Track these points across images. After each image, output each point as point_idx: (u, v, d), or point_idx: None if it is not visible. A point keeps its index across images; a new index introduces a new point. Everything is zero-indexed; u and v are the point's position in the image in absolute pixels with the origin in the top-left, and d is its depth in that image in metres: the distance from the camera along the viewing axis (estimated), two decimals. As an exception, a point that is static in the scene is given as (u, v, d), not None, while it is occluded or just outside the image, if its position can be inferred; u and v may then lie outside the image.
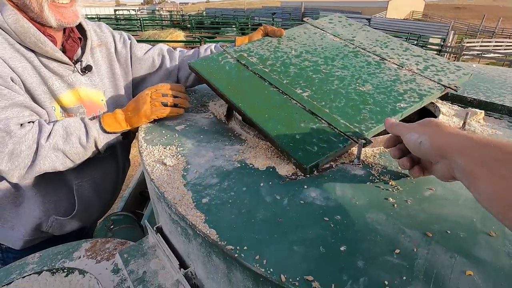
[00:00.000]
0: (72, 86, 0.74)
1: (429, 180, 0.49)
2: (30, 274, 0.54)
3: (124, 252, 0.58)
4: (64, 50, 0.74)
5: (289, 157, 0.53)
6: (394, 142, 0.49)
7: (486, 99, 0.82)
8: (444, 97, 0.88)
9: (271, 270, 0.34)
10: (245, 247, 0.37)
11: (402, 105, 0.63)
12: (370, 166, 0.54)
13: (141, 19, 14.37)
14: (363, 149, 0.58)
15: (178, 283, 0.50)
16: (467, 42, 11.19)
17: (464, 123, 0.67)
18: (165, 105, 0.74)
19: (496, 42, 12.46)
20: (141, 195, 1.29)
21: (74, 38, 0.77)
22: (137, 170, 2.05)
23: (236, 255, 0.36)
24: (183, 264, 0.52)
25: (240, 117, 0.72)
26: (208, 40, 6.81)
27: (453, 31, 11.43)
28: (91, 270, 0.56)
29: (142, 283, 0.52)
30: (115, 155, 0.89)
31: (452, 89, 0.68)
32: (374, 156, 0.57)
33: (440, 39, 10.00)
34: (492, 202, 0.31)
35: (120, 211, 0.79)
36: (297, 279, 0.32)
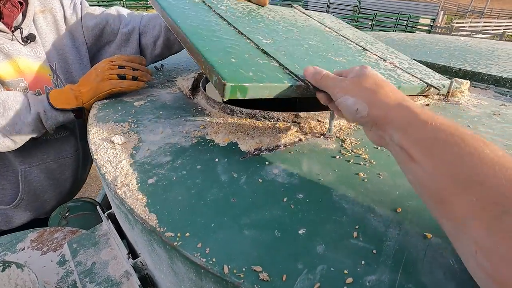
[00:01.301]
0: (9, 56, 0.65)
1: (407, 153, 0.44)
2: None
3: (74, 242, 0.52)
4: (1, 16, 0.65)
5: (211, 75, 0.39)
6: (330, 100, 0.40)
7: (473, 69, 0.77)
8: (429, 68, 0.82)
9: (214, 260, 0.28)
10: (187, 234, 0.31)
11: None
12: (343, 139, 0.48)
13: None
14: (336, 122, 0.52)
15: (127, 274, 0.45)
16: (456, 23, 11.13)
17: (448, 93, 0.62)
18: (123, 78, 0.66)
19: (484, 22, 12.45)
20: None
21: (14, 2, 0.67)
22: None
23: (175, 243, 0.30)
24: (134, 253, 0.47)
25: (205, 92, 0.65)
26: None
27: (442, 11, 11.33)
28: (35, 262, 0.50)
29: (89, 276, 0.46)
30: (73, 136, 0.81)
31: (435, 87, 0.58)
32: (349, 128, 0.51)
33: (430, 20, 9.89)
34: (425, 185, 0.27)
35: (80, 198, 0.72)
36: (243, 269, 0.27)
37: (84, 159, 0.88)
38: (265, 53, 0.50)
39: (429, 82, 0.59)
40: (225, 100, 0.38)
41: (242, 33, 0.55)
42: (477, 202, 0.22)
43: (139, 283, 0.42)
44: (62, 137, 0.77)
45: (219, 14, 0.63)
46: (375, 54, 0.69)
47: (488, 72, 0.73)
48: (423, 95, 0.61)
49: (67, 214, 0.67)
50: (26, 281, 0.46)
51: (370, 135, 0.35)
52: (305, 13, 0.87)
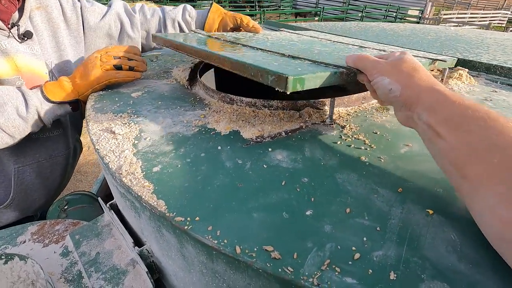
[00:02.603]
0: (7, 53, 0.63)
1: (406, 136, 0.46)
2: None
3: (76, 233, 0.52)
4: None
5: (266, 76, 0.41)
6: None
7: (464, 57, 0.79)
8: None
9: (225, 241, 0.29)
10: (197, 218, 0.31)
11: None
12: (343, 125, 0.49)
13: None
14: (336, 109, 0.53)
15: (133, 262, 0.45)
16: (444, 14, 11.25)
17: (442, 80, 0.64)
18: (119, 68, 0.65)
19: (471, 14, 12.62)
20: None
21: None
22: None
23: (186, 227, 0.30)
24: (139, 242, 0.47)
25: (203, 82, 0.65)
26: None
27: (430, 3, 11.42)
28: (37, 254, 0.50)
29: (94, 265, 0.46)
30: (65, 134, 0.79)
31: (440, 60, 0.62)
32: (348, 115, 0.52)
33: (418, 11, 9.97)
34: (449, 155, 0.29)
35: (78, 191, 0.72)
36: (255, 249, 0.28)
37: (73, 157, 0.87)
38: (294, 57, 0.52)
39: (433, 57, 0.61)
40: (288, 92, 0.40)
41: (260, 49, 0.58)
42: (498, 163, 0.25)
43: (146, 270, 0.42)
44: (54, 135, 0.76)
45: (231, 41, 0.67)
46: (374, 48, 0.70)
47: (479, 60, 0.75)
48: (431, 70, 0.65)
49: (66, 207, 0.66)
50: (29, 272, 0.46)
51: (399, 115, 0.38)
52: (294, 32, 0.93)
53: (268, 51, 0.57)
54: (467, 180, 0.28)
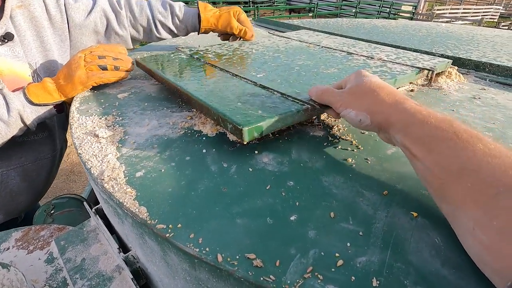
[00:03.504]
0: None
1: (393, 137, 0.45)
2: None
3: (61, 239, 0.51)
4: None
5: (225, 123, 0.41)
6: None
7: (454, 55, 0.79)
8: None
9: (207, 249, 0.28)
10: (179, 225, 0.31)
11: None
12: (331, 126, 0.48)
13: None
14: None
15: (119, 268, 0.44)
16: (437, 10, 11.30)
17: (431, 79, 0.64)
18: (104, 68, 0.64)
19: (464, 9, 12.69)
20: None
21: None
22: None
23: (167, 235, 0.30)
24: (125, 248, 0.46)
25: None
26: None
27: (424, -2, 11.44)
28: (21, 261, 0.49)
29: (79, 272, 0.45)
30: (52, 136, 0.78)
31: (428, 69, 0.60)
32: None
33: (412, 7, 9.99)
34: (426, 177, 0.29)
35: (65, 194, 0.70)
36: (237, 257, 0.27)
37: (59, 159, 0.85)
38: (264, 87, 0.51)
39: (421, 66, 0.61)
40: (245, 143, 0.41)
41: (236, 75, 0.58)
42: (473, 186, 0.25)
43: (132, 276, 0.41)
44: (40, 138, 0.74)
45: (209, 63, 0.65)
46: (361, 55, 0.69)
47: (468, 57, 0.75)
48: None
49: (52, 212, 0.65)
50: (13, 280, 0.45)
51: (381, 138, 0.37)
52: (284, 36, 0.91)
53: (242, 78, 0.56)
54: (446, 203, 0.28)
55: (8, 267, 0.44)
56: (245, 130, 0.38)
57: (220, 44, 0.80)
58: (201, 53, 0.73)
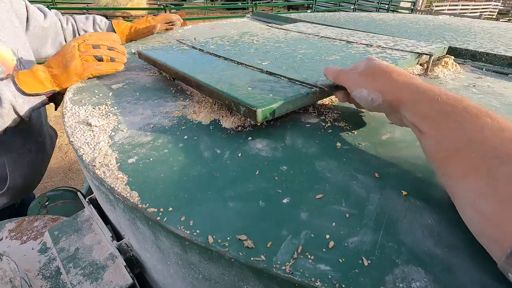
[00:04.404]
0: None
1: (387, 124, 0.45)
2: None
3: (55, 229, 0.50)
4: None
5: (238, 107, 0.42)
6: (347, 95, 0.44)
7: (451, 45, 0.79)
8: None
9: (198, 231, 0.28)
10: (170, 208, 0.30)
11: None
12: (325, 112, 0.48)
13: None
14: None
15: (112, 257, 0.44)
16: (436, 6, 11.28)
17: (427, 68, 0.63)
18: (100, 59, 0.63)
19: (462, 5, 12.66)
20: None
21: None
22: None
23: (158, 218, 0.29)
24: (119, 236, 0.46)
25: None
26: (174, 7, 6.29)
27: (423, -6, 11.40)
28: (15, 252, 0.49)
29: (73, 261, 0.45)
30: (40, 120, 0.79)
31: (427, 54, 0.61)
32: (330, 102, 0.51)
33: (410, 3, 9.96)
34: (432, 151, 0.30)
35: (60, 186, 0.70)
36: (228, 239, 0.27)
37: (50, 143, 0.87)
38: (271, 73, 0.52)
39: (419, 51, 0.61)
40: (258, 124, 0.43)
41: (241, 63, 0.58)
42: (476, 157, 0.25)
43: (125, 264, 0.41)
44: (38, 120, 0.75)
45: (213, 53, 0.65)
46: (360, 43, 0.69)
47: (465, 47, 0.75)
48: (419, 64, 0.65)
49: (46, 203, 0.64)
50: (6, 270, 0.45)
51: (391, 119, 0.38)
52: (282, 28, 0.91)
53: (248, 65, 0.56)
54: (448, 176, 0.28)
55: (1, 257, 0.44)
56: (259, 111, 0.39)
57: (220, 37, 0.80)
58: (203, 44, 0.73)
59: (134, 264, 0.44)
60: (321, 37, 0.77)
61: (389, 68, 0.37)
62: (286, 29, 0.88)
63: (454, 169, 0.27)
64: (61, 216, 0.54)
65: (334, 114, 0.47)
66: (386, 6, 9.23)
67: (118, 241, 0.45)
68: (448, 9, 11.41)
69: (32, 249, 0.49)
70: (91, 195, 0.52)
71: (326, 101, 0.52)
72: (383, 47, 0.66)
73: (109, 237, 0.44)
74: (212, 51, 0.66)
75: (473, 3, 13.49)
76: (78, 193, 0.54)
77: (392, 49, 0.64)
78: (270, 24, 1.02)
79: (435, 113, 0.30)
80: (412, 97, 0.33)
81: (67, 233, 0.50)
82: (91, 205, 0.50)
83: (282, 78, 0.50)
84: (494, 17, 12.69)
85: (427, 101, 0.31)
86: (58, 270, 0.45)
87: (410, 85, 0.34)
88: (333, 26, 0.98)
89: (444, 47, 0.64)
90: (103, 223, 0.46)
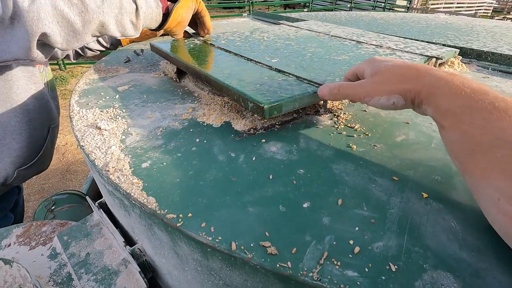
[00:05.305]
0: None
1: (401, 124, 0.45)
2: None
3: (64, 234, 0.50)
4: None
5: (246, 103, 0.43)
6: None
7: (455, 45, 0.79)
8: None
9: (220, 238, 0.27)
10: (190, 214, 0.30)
11: None
12: (338, 114, 0.48)
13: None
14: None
15: (125, 262, 0.44)
16: (432, 4, 11.33)
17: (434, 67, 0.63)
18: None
19: (458, 3, 12.73)
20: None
21: None
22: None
23: (178, 224, 0.29)
24: (130, 241, 0.45)
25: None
26: None
27: (418, -8, 11.44)
28: (24, 258, 0.48)
29: (84, 267, 0.44)
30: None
31: (436, 57, 0.60)
32: (342, 103, 0.51)
33: (406, 1, 9.99)
34: (455, 148, 0.29)
35: (65, 190, 0.69)
36: (251, 245, 0.27)
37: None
38: (280, 71, 0.53)
39: (429, 54, 0.61)
40: (265, 120, 0.44)
41: (251, 59, 0.59)
42: (503, 157, 0.24)
43: (139, 269, 0.41)
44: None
45: (223, 49, 0.66)
46: (371, 44, 0.69)
47: (470, 47, 0.75)
48: None
49: (53, 208, 0.64)
50: (16, 277, 0.44)
51: (418, 112, 0.36)
52: (293, 26, 0.91)
53: (257, 62, 0.57)
54: (471, 175, 0.27)
55: (11, 263, 0.43)
56: (267, 108, 0.40)
57: (232, 32, 0.81)
58: (214, 39, 0.74)
59: (147, 269, 0.44)
60: (332, 36, 0.77)
61: (399, 65, 0.35)
62: (297, 27, 0.88)
63: (478, 167, 0.26)
64: (70, 221, 0.53)
65: (346, 115, 0.47)
66: (383, 4, 9.25)
67: (129, 246, 0.44)
68: (443, 7, 11.47)
69: (42, 254, 0.48)
70: (101, 200, 0.52)
71: (337, 102, 0.52)
72: (393, 48, 0.66)
73: (121, 242, 0.43)
74: (223, 46, 0.67)
75: (468, 0, 13.58)
76: (87, 197, 0.53)
77: (402, 51, 0.64)
78: (281, 21, 1.01)
79: (458, 108, 0.28)
80: (432, 92, 0.31)
81: (76, 238, 0.49)
82: (101, 209, 0.49)
83: (291, 76, 0.51)
84: (489, 15, 12.78)
85: (449, 95, 0.29)
86: (69, 276, 0.44)
87: (430, 77, 0.32)
88: (342, 27, 0.97)
89: (455, 51, 0.64)
90: (114, 228, 0.46)
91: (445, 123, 0.29)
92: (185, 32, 0.80)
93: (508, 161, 0.24)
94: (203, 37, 0.78)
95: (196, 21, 0.78)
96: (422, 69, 0.34)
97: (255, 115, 0.48)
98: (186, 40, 0.74)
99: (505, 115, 0.26)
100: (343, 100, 0.52)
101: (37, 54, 0.52)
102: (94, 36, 0.59)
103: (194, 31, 0.82)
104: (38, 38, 0.50)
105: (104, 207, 0.52)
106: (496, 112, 0.26)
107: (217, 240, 0.27)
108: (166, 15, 0.67)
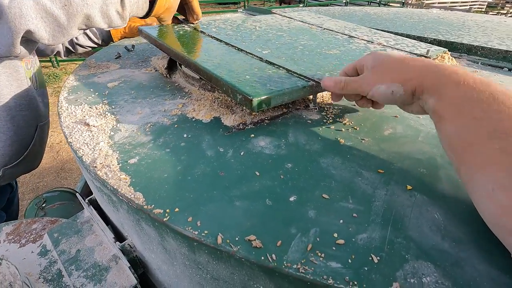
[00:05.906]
0: None
1: (390, 118, 0.45)
2: None
3: (54, 231, 0.50)
4: None
5: (235, 94, 0.42)
6: (340, 96, 0.43)
7: (446, 39, 0.79)
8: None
9: (206, 232, 0.27)
10: (177, 209, 0.30)
11: None
12: (327, 109, 0.48)
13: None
14: (319, 93, 0.52)
15: (115, 258, 0.44)
16: (426, 0, 11.35)
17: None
18: None
19: (452, -2, 12.76)
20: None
21: None
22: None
23: (164, 219, 0.29)
24: (120, 237, 0.45)
25: (183, 69, 0.63)
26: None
27: (413, -12, 11.44)
28: (14, 255, 0.48)
29: (74, 263, 0.44)
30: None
31: (425, 56, 0.61)
32: (329, 98, 0.51)
33: (401, -3, 9.99)
34: (452, 138, 0.28)
35: (56, 187, 0.69)
36: (237, 239, 0.27)
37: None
38: (270, 63, 0.52)
39: (419, 52, 0.62)
40: (254, 113, 0.44)
41: (241, 50, 0.58)
42: (501, 149, 0.24)
43: (129, 265, 0.41)
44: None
45: (214, 37, 0.65)
46: (362, 39, 0.69)
47: (460, 42, 0.76)
48: None
49: (44, 205, 0.63)
50: (5, 274, 0.44)
51: (412, 109, 0.36)
52: (286, 16, 0.90)
53: (248, 53, 0.57)
54: (467, 165, 0.27)
55: (0, 261, 0.43)
56: (255, 101, 0.39)
57: (223, 20, 0.80)
58: (205, 26, 0.73)
59: (137, 264, 0.44)
60: (324, 29, 0.77)
61: (401, 56, 0.36)
62: (289, 17, 0.88)
63: (474, 159, 0.26)
64: (60, 218, 0.53)
65: (335, 110, 0.47)
66: (378, 0, 9.25)
67: (119, 242, 0.44)
68: (438, 3, 11.50)
69: (32, 252, 0.48)
70: (91, 196, 0.51)
71: (326, 97, 0.52)
72: (384, 45, 0.66)
73: (111, 238, 0.43)
74: (213, 35, 0.67)
75: (462, -4, 13.61)
76: (77, 194, 0.53)
77: (392, 48, 0.64)
78: (274, 11, 1.00)
79: (459, 99, 0.28)
80: (436, 81, 0.31)
81: (67, 235, 0.49)
82: (91, 206, 0.49)
83: (281, 68, 0.50)
84: (484, 10, 12.83)
85: (451, 85, 0.29)
86: (59, 272, 0.44)
87: (433, 67, 0.32)
88: (335, 20, 0.97)
89: (444, 50, 0.64)
90: (104, 224, 0.46)
91: (446, 115, 0.29)
92: (175, 18, 0.78)
93: (505, 153, 0.24)
94: (192, 23, 0.76)
95: (184, 7, 0.76)
96: (426, 61, 0.34)
97: (245, 110, 0.47)
98: (176, 26, 0.72)
99: (504, 107, 0.26)
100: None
101: (21, 50, 0.52)
102: (81, 30, 0.58)
103: (183, 17, 0.79)
104: (23, 35, 0.49)
105: (94, 204, 0.52)
106: (496, 104, 0.26)
107: (203, 234, 0.27)
108: (153, 1, 0.66)
